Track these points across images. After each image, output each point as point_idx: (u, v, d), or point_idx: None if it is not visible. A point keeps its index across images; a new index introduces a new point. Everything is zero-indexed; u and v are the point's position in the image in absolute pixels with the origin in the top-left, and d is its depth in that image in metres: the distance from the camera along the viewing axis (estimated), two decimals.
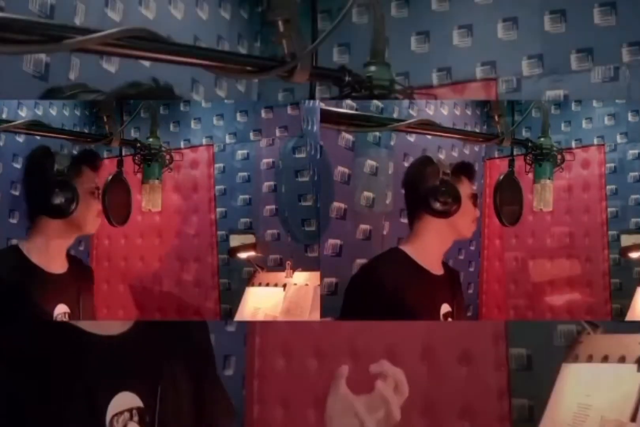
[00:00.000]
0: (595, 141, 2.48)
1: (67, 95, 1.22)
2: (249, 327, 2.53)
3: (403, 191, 1.53)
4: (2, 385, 0.69)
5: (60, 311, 1.24)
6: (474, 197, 1.48)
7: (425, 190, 1.40)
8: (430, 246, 1.42)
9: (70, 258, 1.36)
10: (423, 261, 1.40)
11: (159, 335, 0.84)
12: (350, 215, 1.84)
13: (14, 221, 1.81)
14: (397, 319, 1.39)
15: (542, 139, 1.63)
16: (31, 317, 1.12)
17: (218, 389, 0.93)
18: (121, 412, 0.74)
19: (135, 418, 0.75)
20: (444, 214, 1.39)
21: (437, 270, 1.44)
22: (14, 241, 1.33)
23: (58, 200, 1.25)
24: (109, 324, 0.81)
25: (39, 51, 0.63)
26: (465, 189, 1.45)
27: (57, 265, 1.30)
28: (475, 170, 1.57)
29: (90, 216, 1.34)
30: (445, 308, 1.39)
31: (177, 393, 0.83)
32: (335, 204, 1.80)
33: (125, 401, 0.75)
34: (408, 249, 1.41)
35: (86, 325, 0.77)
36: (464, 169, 1.51)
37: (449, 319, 1.39)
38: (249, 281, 2.05)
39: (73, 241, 1.34)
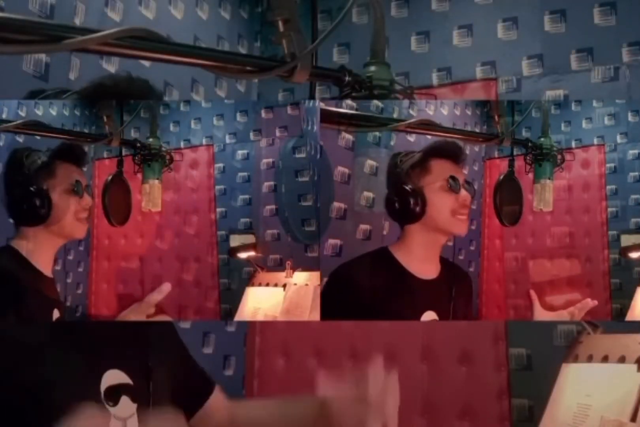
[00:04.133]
0: (595, 141, 2.48)
1: (47, 95, 1.20)
2: (249, 327, 2.53)
3: None
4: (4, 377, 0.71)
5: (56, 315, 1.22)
6: (451, 184, 1.29)
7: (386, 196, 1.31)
8: (416, 250, 1.32)
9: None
10: (409, 265, 1.30)
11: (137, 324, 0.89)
12: (350, 215, 1.84)
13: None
14: (367, 319, 1.34)
15: (542, 139, 1.64)
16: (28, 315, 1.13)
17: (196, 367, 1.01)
18: (114, 386, 0.78)
19: (128, 394, 0.79)
20: (405, 221, 1.30)
21: (428, 274, 1.33)
22: (11, 242, 1.24)
23: (27, 207, 1.17)
24: None
25: (39, 51, 0.63)
26: (433, 178, 1.29)
27: (48, 269, 1.25)
28: (456, 148, 1.35)
29: (69, 219, 1.22)
30: (429, 315, 1.28)
31: (163, 373, 0.87)
32: (335, 204, 1.80)
33: (116, 376, 0.79)
34: (395, 250, 1.33)
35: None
36: (435, 153, 1.32)
37: None
38: (249, 281, 2.05)
39: (60, 246, 1.28)
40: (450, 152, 1.33)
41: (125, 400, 0.78)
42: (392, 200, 1.30)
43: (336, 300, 1.25)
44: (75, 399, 0.73)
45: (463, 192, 1.31)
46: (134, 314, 1.27)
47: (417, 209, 1.27)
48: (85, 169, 1.31)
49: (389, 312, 1.24)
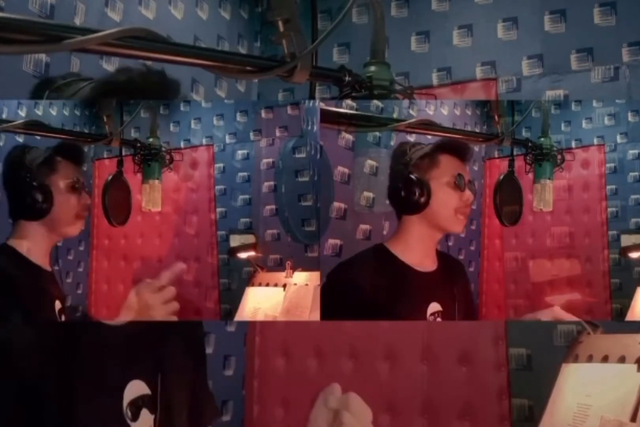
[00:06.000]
0: (595, 141, 2.48)
1: (60, 84, 1.13)
2: (249, 327, 2.53)
3: None
4: (20, 382, 0.68)
5: (58, 306, 1.22)
6: (458, 181, 1.29)
7: (389, 184, 1.29)
8: (413, 243, 1.31)
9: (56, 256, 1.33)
10: (407, 258, 1.30)
11: (158, 325, 0.86)
12: (350, 215, 1.84)
13: None
14: (373, 318, 1.32)
15: (542, 139, 1.64)
16: (33, 314, 1.12)
17: (207, 389, 0.96)
18: (135, 400, 0.75)
19: (147, 405, 0.77)
20: (407, 210, 1.28)
21: (427, 266, 1.33)
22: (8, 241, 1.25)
23: (29, 200, 1.17)
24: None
25: (39, 51, 0.63)
26: (441, 173, 1.29)
27: (46, 263, 1.26)
28: (466, 146, 1.35)
29: (67, 216, 1.22)
30: (434, 307, 1.29)
31: (178, 381, 0.84)
32: (335, 204, 1.80)
33: (137, 388, 0.77)
34: (392, 245, 1.32)
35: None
36: (445, 148, 1.31)
37: (438, 319, 1.29)
38: (249, 281, 2.05)
39: (54, 243, 1.28)
40: (460, 150, 1.33)
41: (145, 413, 0.76)
42: (397, 188, 1.28)
43: (338, 301, 1.24)
44: (99, 422, 0.71)
45: (467, 191, 1.31)
46: (144, 295, 1.06)
47: (422, 199, 1.26)
48: (85, 168, 1.31)
49: (394, 308, 1.24)
